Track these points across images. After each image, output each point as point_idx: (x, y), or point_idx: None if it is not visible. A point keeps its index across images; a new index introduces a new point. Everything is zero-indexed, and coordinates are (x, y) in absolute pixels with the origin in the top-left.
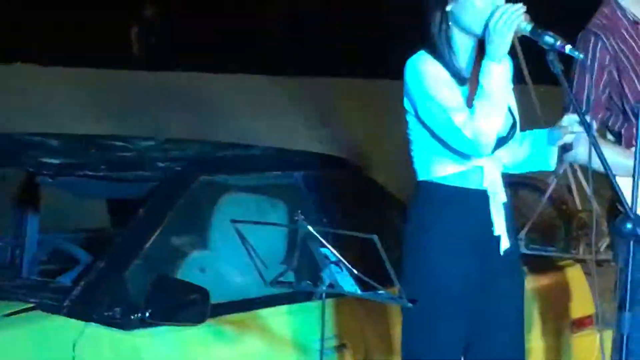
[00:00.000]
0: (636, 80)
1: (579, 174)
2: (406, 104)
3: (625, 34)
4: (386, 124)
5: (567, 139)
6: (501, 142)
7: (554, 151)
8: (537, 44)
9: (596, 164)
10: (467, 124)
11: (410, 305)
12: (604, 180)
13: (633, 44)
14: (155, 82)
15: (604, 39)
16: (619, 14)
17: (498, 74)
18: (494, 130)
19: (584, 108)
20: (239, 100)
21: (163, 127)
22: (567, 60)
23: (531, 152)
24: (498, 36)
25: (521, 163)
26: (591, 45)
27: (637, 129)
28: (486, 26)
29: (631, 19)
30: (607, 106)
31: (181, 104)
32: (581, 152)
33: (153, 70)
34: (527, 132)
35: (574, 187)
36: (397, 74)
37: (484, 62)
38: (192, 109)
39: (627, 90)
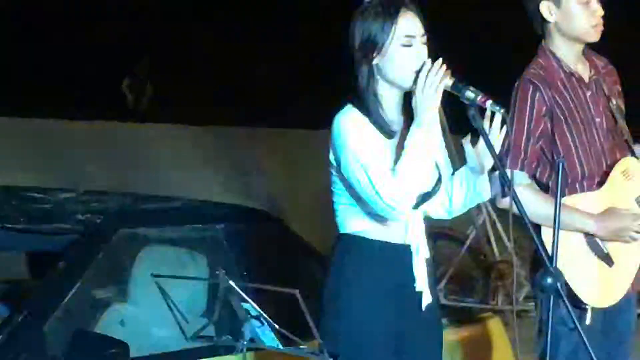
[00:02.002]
0: (568, 133)
1: (498, 225)
2: (331, 157)
3: (561, 85)
4: (306, 174)
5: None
6: (425, 197)
7: (484, 179)
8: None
9: (527, 213)
10: (386, 188)
11: None
12: (524, 231)
13: (567, 96)
14: (75, 131)
15: (541, 89)
16: (555, 65)
17: (425, 139)
18: (413, 194)
19: (521, 155)
20: (159, 150)
21: (83, 178)
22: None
23: (467, 189)
24: (425, 102)
25: (464, 203)
26: (529, 93)
27: (558, 183)
28: (414, 84)
29: (567, 70)
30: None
31: (100, 154)
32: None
33: (74, 119)
34: (458, 172)
35: (492, 237)
36: (318, 124)
37: (412, 128)
38: (113, 159)
39: (558, 142)
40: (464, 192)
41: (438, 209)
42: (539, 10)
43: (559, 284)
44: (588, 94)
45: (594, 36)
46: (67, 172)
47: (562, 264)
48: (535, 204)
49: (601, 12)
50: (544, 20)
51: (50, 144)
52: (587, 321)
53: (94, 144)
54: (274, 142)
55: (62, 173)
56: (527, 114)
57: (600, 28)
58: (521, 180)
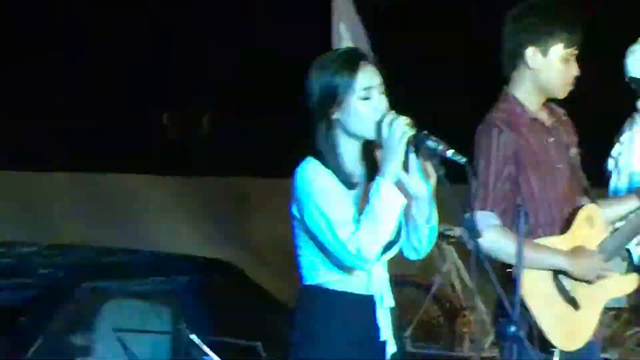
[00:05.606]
0: (532, 179)
1: (463, 272)
2: (294, 210)
3: (525, 130)
4: (270, 224)
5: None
6: (389, 246)
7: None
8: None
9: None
10: (351, 240)
11: None
12: (489, 278)
13: (532, 141)
14: (38, 183)
15: (506, 132)
16: (518, 110)
17: (390, 191)
18: (378, 245)
19: (490, 196)
20: (122, 200)
21: (48, 231)
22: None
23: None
24: (388, 153)
25: (429, 238)
26: (495, 135)
27: (519, 231)
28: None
29: (531, 116)
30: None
31: (63, 206)
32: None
33: (36, 171)
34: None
35: (457, 284)
36: (281, 172)
37: (377, 179)
38: (77, 210)
39: (523, 187)
40: (417, 231)
41: (409, 251)
42: (520, 53)
43: (521, 333)
44: (551, 140)
45: (563, 94)
46: (40, 225)
47: (531, 305)
48: (509, 247)
49: (577, 73)
50: (522, 65)
51: (25, 196)
52: None
53: (62, 195)
54: (237, 191)
55: (37, 225)
56: (494, 155)
57: (571, 88)
58: (492, 222)
